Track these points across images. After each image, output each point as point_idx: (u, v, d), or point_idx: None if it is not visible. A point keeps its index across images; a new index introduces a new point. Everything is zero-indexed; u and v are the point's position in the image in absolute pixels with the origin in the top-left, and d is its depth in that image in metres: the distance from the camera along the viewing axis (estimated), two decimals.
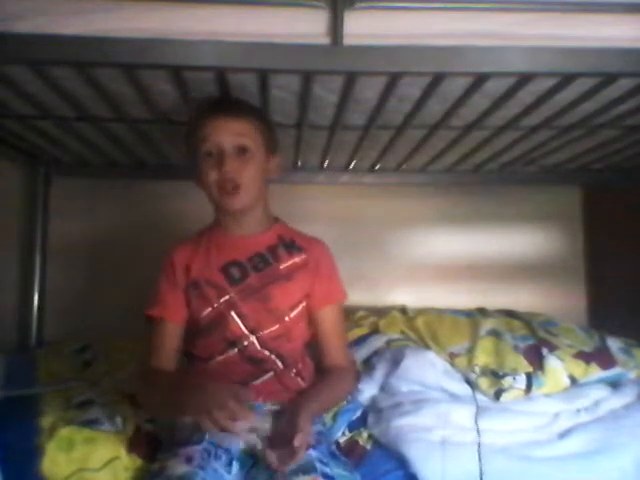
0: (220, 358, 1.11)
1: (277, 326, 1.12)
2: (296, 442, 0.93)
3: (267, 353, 1.11)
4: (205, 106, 1.12)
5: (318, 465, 0.95)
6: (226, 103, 1.13)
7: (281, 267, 1.14)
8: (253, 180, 1.09)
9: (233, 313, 1.10)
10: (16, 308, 1.85)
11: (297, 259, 1.16)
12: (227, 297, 1.11)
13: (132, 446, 1.06)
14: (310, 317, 1.18)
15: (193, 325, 1.13)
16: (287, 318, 1.13)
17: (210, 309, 1.11)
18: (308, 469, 0.93)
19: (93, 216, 1.93)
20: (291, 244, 1.17)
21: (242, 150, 1.07)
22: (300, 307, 1.15)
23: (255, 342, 1.10)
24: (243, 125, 1.08)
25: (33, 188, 1.87)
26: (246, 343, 1.10)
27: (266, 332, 1.11)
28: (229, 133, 1.06)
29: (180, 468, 0.93)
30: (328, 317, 1.18)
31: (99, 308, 1.91)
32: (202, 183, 1.11)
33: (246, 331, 1.10)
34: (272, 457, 0.92)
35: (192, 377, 1.06)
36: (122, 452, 1.04)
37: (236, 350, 1.10)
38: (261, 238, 1.16)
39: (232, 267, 1.12)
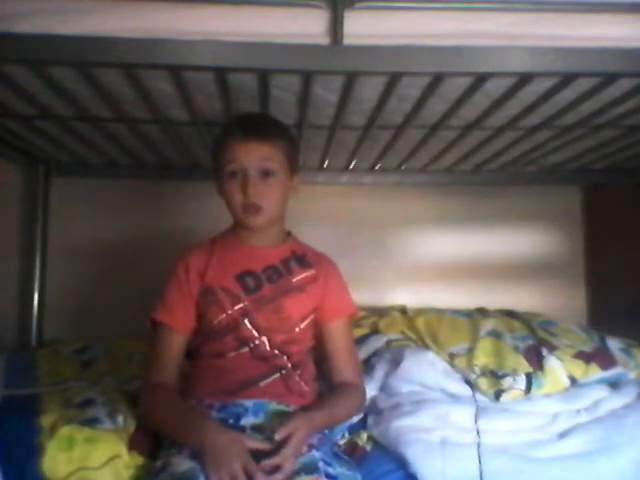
0: (231, 355, 1.11)
1: (287, 335, 1.13)
2: (277, 435, 0.93)
3: (277, 352, 1.12)
4: (234, 124, 1.12)
5: (321, 465, 0.95)
6: (255, 124, 1.12)
7: (294, 280, 1.16)
8: (275, 202, 1.12)
9: (246, 320, 1.11)
10: (16, 308, 1.85)
11: (308, 273, 1.18)
12: (241, 305, 1.11)
13: (133, 444, 1.06)
14: (319, 331, 1.20)
15: (205, 329, 1.13)
16: (297, 329, 1.15)
17: (224, 315, 1.11)
18: (311, 469, 0.94)
19: (93, 216, 1.93)
20: (302, 259, 1.20)
21: (266, 173, 1.09)
22: (309, 319, 1.17)
23: (266, 342, 1.12)
24: (269, 149, 1.09)
25: (33, 188, 1.87)
26: (257, 342, 1.11)
27: (276, 337, 1.12)
28: (255, 157, 1.08)
29: (184, 464, 0.93)
30: (337, 331, 1.20)
31: (99, 308, 1.91)
32: (225, 199, 1.13)
33: (257, 334, 1.11)
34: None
35: (201, 415, 1.03)
36: (123, 450, 1.03)
37: (247, 348, 1.11)
38: (275, 251, 1.18)
39: (247, 277, 1.14)
